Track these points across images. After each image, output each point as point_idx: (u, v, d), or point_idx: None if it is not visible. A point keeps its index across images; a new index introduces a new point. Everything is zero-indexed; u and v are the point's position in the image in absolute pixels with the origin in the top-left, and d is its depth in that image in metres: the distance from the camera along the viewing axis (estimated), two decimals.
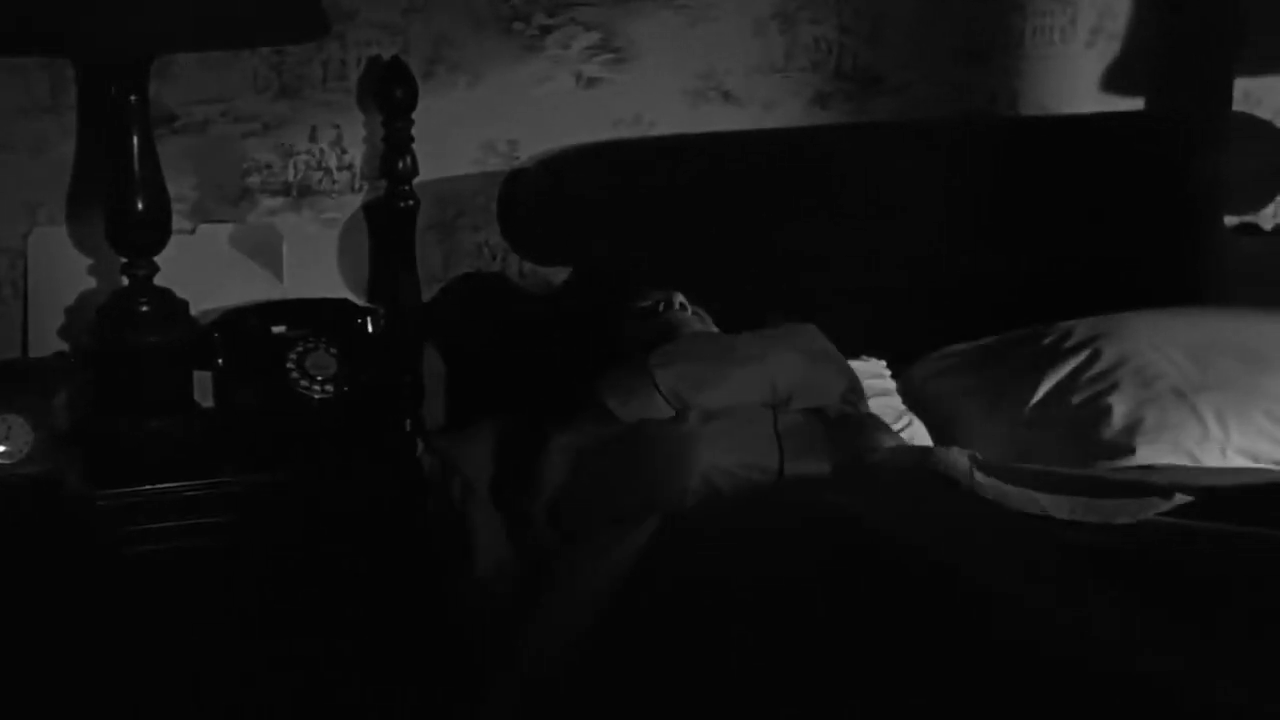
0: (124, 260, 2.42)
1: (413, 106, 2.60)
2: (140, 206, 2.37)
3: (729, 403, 2.33)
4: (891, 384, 2.76)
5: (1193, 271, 2.58)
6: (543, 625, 2.03)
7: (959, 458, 2.20)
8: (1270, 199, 3.20)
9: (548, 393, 2.55)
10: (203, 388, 2.53)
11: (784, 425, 2.31)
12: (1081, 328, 2.72)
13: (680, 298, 2.59)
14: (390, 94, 2.60)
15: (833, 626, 1.76)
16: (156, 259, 2.42)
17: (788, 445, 2.27)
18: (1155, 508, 2.02)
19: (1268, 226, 3.22)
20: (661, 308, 2.57)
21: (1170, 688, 1.61)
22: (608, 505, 2.20)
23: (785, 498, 2.16)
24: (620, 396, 2.33)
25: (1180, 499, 2.03)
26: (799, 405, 2.38)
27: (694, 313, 2.59)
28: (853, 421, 2.41)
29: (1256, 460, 2.52)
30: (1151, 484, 2.12)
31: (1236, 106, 3.13)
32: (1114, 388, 2.61)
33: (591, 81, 2.81)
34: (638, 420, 2.30)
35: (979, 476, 2.14)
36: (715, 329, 2.58)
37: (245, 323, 2.57)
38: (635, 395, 2.33)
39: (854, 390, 2.50)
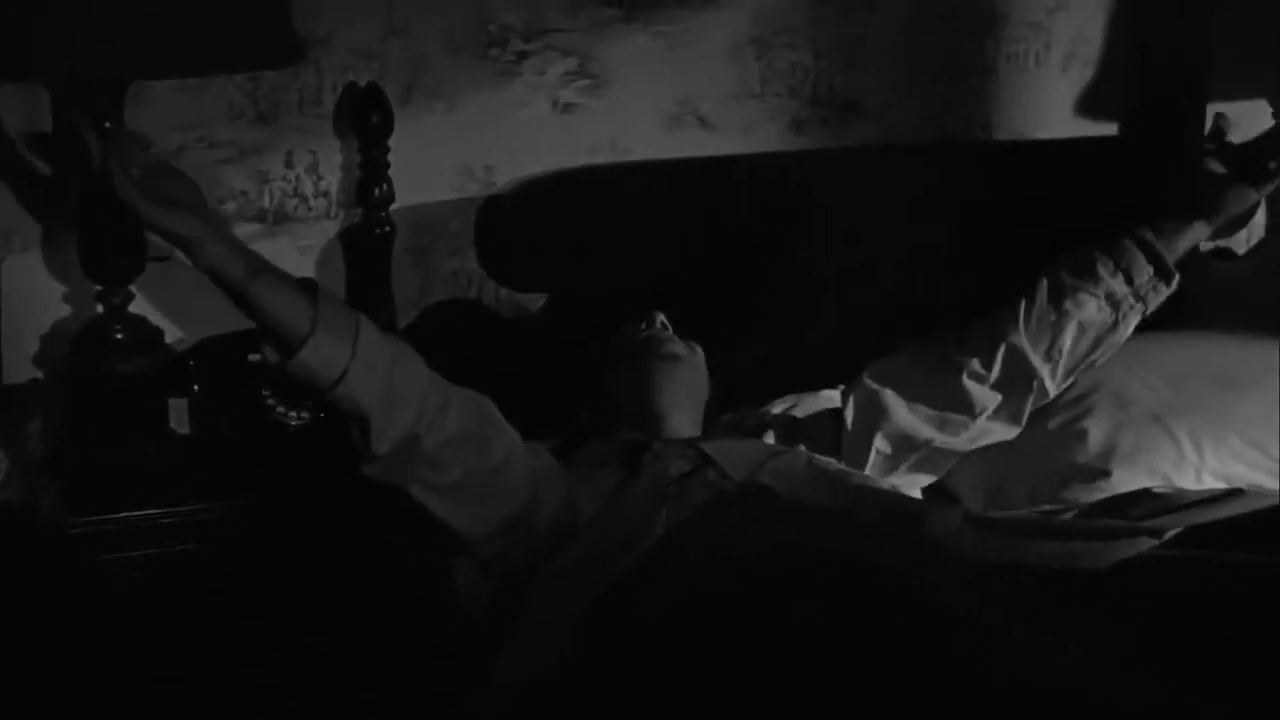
0: (98, 288, 2.42)
1: (389, 132, 2.60)
2: (114, 234, 2.37)
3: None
4: None
5: (1167, 296, 2.61)
6: (518, 647, 2.03)
7: (952, 515, 2.20)
8: (1243, 224, 3.21)
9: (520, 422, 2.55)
10: (179, 415, 2.51)
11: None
12: None
13: (661, 317, 2.59)
14: (366, 120, 2.60)
15: (803, 650, 1.76)
16: (131, 286, 2.42)
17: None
18: (1144, 547, 2.03)
19: (1241, 251, 3.24)
20: (644, 327, 2.58)
21: (1135, 710, 1.62)
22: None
23: (766, 530, 2.15)
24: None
25: (1170, 535, 2.04)
26: None
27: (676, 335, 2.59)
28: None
29: (1231, 483, 2.53)
30: (1141, 526, 2.12)
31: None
32: (1090, 411, 2.63)
33: (568, 107, 2.81)
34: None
35: (969, 534, 2.14)
36: (699, 349, 2.57)
37: (220, 350, 2.56)
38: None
39: None
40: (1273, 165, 2.54)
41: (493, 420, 2.16)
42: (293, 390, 2.51)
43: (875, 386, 2.56)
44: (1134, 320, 2.54)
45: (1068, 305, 2.51)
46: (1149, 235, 2.53)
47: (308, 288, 2.00)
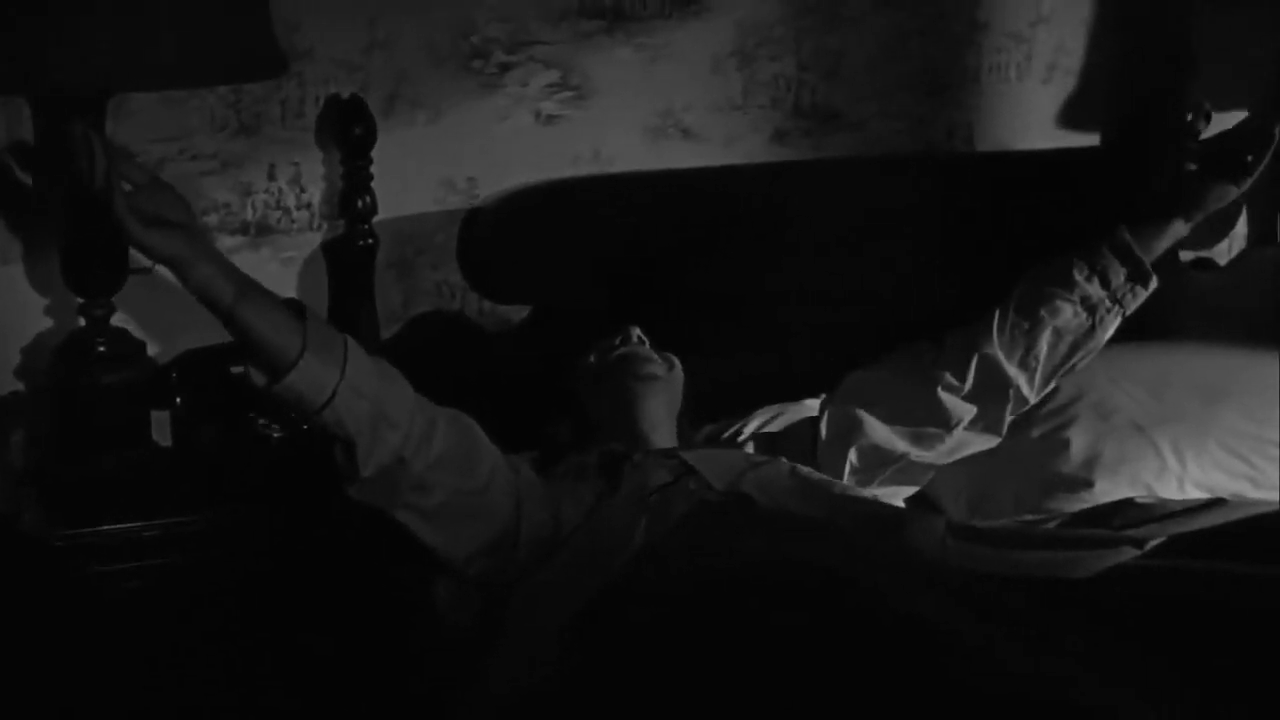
0: (80, 300, 2.41)
1: (372, 144, 2.60)
2: (97, 246, 2.36)
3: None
4: None
5: (1149, 306, 2.62)
6: (508, 657, 2.03)
7: (934, 524, 2.20)
8: (1224, 235, 3.23)
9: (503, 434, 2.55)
10: (161, 427, 2.51)
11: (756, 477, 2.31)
12: None
13: (637, 331, 2.59)
14: (349, 132, 2.59)
15: (785, 660, 1.76)
16: (113, 299, 2.42)
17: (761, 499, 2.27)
18: (1127, 556, 2.04)
19: (1222, 262, 3.25)
20: (619, 342, 2.57)
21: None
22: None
23: (748, 540, 2.15)
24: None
25: (1153, 545, 2.05)
26: None
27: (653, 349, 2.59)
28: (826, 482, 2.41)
29: (1213, 492, 2.54)
30: (1123, 535, 2.13)
31: None
32: (1072, 421, 2.63)
33: (550, 119, 2.81)
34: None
35: (951, 544, 2.14)
36: (676, 361, 2.57)
37: (202, 362, 2.55)
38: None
39: None
40: (1249, 159, 2.53)
41: (477, 440, 2.16)
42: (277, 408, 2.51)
43: (851, 401, 2.57)
44: (1112, 324, 2.54)
45: (1043, 312, 2.52)
46: (1126, 237, 2.53)
47: (295, 309, 1.99)
